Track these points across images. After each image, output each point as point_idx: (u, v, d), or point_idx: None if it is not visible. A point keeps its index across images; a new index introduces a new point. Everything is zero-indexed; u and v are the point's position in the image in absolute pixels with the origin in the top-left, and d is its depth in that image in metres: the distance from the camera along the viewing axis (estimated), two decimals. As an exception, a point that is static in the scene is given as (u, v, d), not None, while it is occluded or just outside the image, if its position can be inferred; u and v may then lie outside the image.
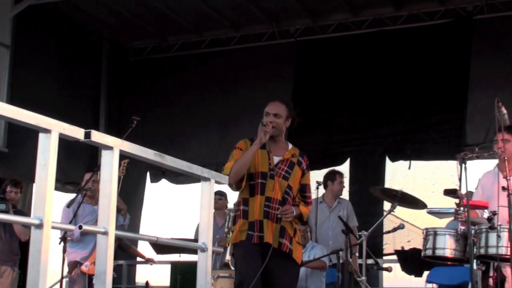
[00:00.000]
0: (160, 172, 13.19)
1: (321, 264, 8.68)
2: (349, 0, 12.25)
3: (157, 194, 13.74)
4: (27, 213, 9.69)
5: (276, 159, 5.73)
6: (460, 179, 5.90)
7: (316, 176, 9.97)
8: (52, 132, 2.85)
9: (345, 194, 11.75)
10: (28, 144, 7.63)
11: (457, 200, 5.98)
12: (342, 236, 9.18)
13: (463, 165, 5.87)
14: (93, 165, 12.41)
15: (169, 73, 13.83)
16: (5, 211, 8.08)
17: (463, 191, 5.95)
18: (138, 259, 11.09)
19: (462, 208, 5.89)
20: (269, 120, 5.74)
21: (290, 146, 5.90)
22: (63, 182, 12.00)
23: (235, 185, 5.73)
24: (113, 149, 3.23)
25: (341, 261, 7.64)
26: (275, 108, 5.83)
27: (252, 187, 5.66)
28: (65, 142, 2.93)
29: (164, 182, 13.39)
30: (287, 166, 5.72)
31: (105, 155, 3.26)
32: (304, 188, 5.81)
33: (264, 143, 5.67)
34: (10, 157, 11.20)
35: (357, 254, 8.48)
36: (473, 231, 5.78)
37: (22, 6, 11.17)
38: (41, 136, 2.87)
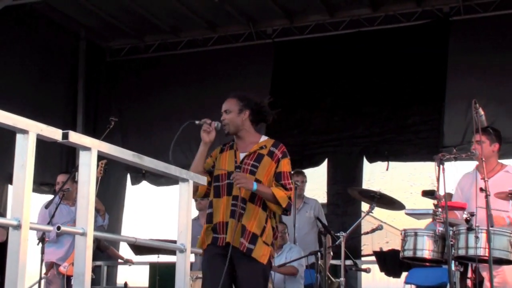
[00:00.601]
0: (140, 174, 13.15)
1: (291, 270, 8.61)
2: (326, 1, 12.26)
3: (138, 196, 13.70)
4: (3, 215, 9.63)
5: (242, 156, 5.55)
6: (438, 180, 5.92)
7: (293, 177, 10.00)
8: (30, 133, 2.84)
9: (323, 195, 11.79)
10: (5, 145, 7.58)
11: (435, 201, 5.99)
12: (310, 237, 9.24)
13: (441, 166, 5.89)
14: (69, 165, 12.37)
15: (146, 73, 13.78)
16: (-18, 213, 8.02)
17: (441, 192, 5.97)
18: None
19: (440, 209, 5.91)
20: (222, 118, 5.63)
21: (263, 139, 5.66)
22: (39, 183, 11.93)
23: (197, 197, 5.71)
24: (91, 150, 3.21)
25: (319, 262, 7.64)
26: (224, 105, 5.69)
27: (218, 189, 5.51)
28: (39, 143, 2.91)
29: (144, 184, 13.35)
30: (254, 160, 5.48)
31: (83, 156, 3.24)
32: (279, 176, 5.46)
33: (208, 142, 5.58)
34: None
35: (331, 253, 8.48)
36: (451, 232, 5.80)
37: (-2, 7, 11.10)
38: (19, 137, 2.85)
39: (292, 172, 5.67)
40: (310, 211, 9.54)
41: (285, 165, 5.55)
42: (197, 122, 5.60)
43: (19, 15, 11.96)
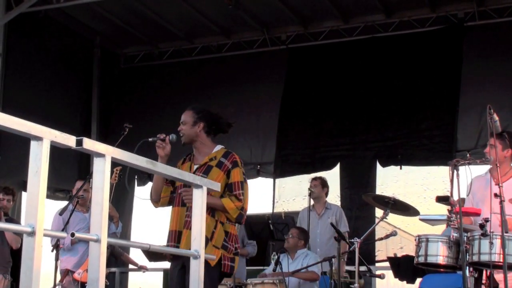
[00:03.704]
0: (146, 175, 13.09)
1: (313, 276, 8.60)
2: (340, 7, 12.26)
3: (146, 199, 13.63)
4: (18, 222, 9.66)
5: (195, 167, 5.65)
6: (452, 186, 5.90)
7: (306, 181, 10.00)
8: (44, 139, 2.85)
9: (336, 199, 11.78)
10: (20, 152, 7.62)
11: (449, 207, 5.97)
12: (331, 243, 9.21)
13: (455, 171, 5.86)
14: (84, 172, 12.39)
15: (160, 80, 13.82)
16: (-3, 219, 8.04)
17: (455, 198, 5.95)
18: (131, 266, 11.06)
19: (454, 215, 5.88)
20: (178, 129, 5.75)
21: (216, 149, 5.72)
22: (54, 189, 11.97)
23: (153, 203, 5.85)
24: (105, 156, 3.22)
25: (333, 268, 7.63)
26: (182, 116, 5.82)
27: (173, 200, 5.67)
28: (55, 149, 2.92)
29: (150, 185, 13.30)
30: (203, 172, 5.52)
31: (97, 163, 3.25)
32: (230, 187, 5.50)
33: (164, 156, 5.65)
34: (2, 164, 11.16)
35: (344, 259, 8.47)
36: (465, 238, 5.77)
37: (13, 14, 11.15)
38: (33, 143, 2.86)
39: (243, 181, 5.58)
40: (332, 217, 9.50)
41: (236, 175, 5.56)
42: (150, 139, 5.71)
43: (33, 22, 12.02)
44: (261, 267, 9.88)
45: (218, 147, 5.74)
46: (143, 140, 5.58)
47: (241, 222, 5.58)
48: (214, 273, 5.40)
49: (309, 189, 9.51)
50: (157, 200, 5.77)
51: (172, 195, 5.71)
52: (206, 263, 5.23)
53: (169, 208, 5.78)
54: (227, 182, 5.53)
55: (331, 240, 9.38)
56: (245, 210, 5.56)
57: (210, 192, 5.29)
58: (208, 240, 5.35)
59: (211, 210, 5.42)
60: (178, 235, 5.50)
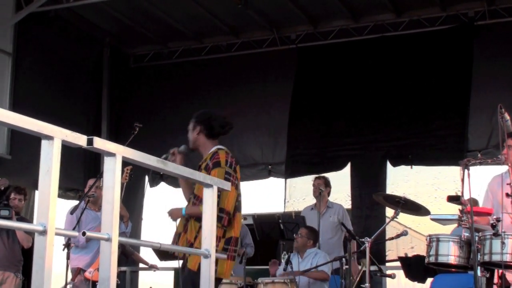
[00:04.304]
0: (158, 176, 13.11)
1: (323, 275, 8.59)
2: (350, 6, 12.25)
3: (156, 198, 13.68)
4: (29, 221, 9.69)
5: None
6: (463, 186, 5.88)
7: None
8: (55, 139, 2.85)
9: (346, 199, 11.77)
10: (31, 151, 7.63)
11: (460, 207, 5.95)
12: (333, 241, 9.22)
13: (466, 171, 5.84)
14: (94, 171, 12.41)
15: (170, 79, 13.83)
16: (9, 218, 8.06)
17: (466, 197, 5.93)
18: (141, 265, 11.08)
19: (465, 215, 5.87)
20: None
21: (211, 150, 5.77)
22: (64, 188, 12.00)
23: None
24: (115, 155, 3.22)
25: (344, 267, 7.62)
26: None
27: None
28: (65, 148, 2.92)
29: (163, 185, 13.33)
30: None
31: (107, 162, 3.25)
32: None
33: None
34: (13, 164, 11.20)
35: (354, 258, 8.46)
36: (477, 238, 5.75)
37: (23, 14, 11.17)
38: (44, 143, 2.87)
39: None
40: (334, 216, 9.52)
41: (214, 176, 5.49)
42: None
43: (43, 22, 12.06)
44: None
45: (213, 149, 5.78)
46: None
47: (223, 224, 5.51)
48: (197, 277, 5.39)
49: (319, 188, 9.52)
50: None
51: None
52: (191, 271, 5.44)
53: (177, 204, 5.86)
54: None
55: (333, 238, 9.42)
56: (226, 211, 5.53)
57: (196, 203, 5.47)
58: (192, 244, 5.51)
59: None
60: (178, 237, 5.71)
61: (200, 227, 5.46)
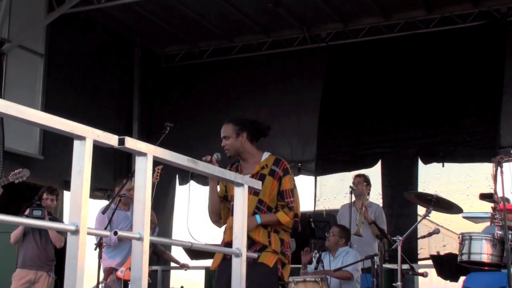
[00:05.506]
0: (188, 174, 13.13)
1: (346, 274, 8.54)
2: (380, 3, 12.20)
3: (187, 196, 13.64)
4: (61, 221, 9.76)
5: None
6: (495, 183, 5.83)
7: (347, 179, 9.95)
8: (87, 139, 2.87)
9: (377, 197, 11.72)
10: (63, 152, 7.69)
11: (493, 204, 5.91)
12: (367, 240, 9.17)
13: (499, 168, 5.80)
14: (123, 171, 12.49)
15: (200, 79, 13.87)
16: (41, 218, 8.13)
17: (499, 195, 5.88)
18: (173, 264, 11.11)
19: (498, 213, 5.82)
20: (222, 144, 5.72)
21: (264, 157, 5.73)
22: (93, 188, 12.06)
23: (216, 224, 5.84)
24: (146, 155, 3.23)
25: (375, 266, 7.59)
26: (222, 131, 5.74)
27: (228, 211, 5.68)
28: (93, 148, 2.94)
29: (193, 184, 13.33)
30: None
31: (139, 162, 3.26)
32: (282, 195, 5.52)
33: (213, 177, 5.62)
34: (45, 164, 11.29)
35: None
36: (510, 236, 5.71)
37: (55, 15, 11.26)
38: (76, 143, 2.89)
39: (293, 188, 5.58)
40: (371, 215, 9.47)
41: (287, 183, 5.56)
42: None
43: (75, 23, 12.15)
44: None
45: (266, 155, 5.75)
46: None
47: (298, 229, 5.59)
48: (273, 277, 5.45)
49: (350, 186, 9.48)
50: (217, 220, 5.78)
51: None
52: (266, 266, 5.37)
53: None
54: (279, 189, 5.55)
55: (367, 237, 9.35)
56: (299, 217, 5.58)
57: (264, 210, 5.40)
58: (266, 246, 5.45)
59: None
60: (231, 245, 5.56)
61: (270, 232, 5.51)
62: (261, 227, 5.48)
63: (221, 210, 5.75)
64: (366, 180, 9.65)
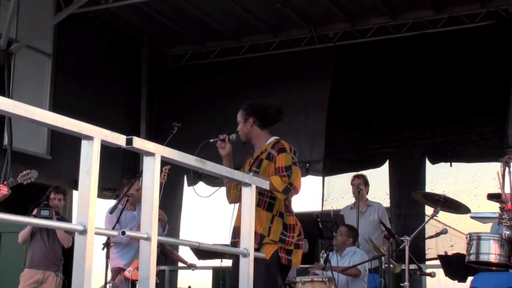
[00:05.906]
0: (197, 175, 13.12)
1: (353, 271, 8.56)
2: (388, 3, 12.18)
3: (194, 197, 13.65)
4: (69, 221, 9.78)
5: (252, 162, 5.72)
6: (503, 183, 5.82)
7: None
8: (95, 139, 2.88)
9: (385, 197, 11.71)
10: (71, 151, 7.69)
11: (501, 204, 5.90)
12: (373, 239, 9.17)
13: (507, 168, 5.79)
14: (131, 171, 12.49)
15: (208, 79, 13.87)
16: (49, 217, 8.15)
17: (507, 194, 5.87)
18: (180, 264, 11.12)
19: (506, 213, 5.81)
20: (237, 129, 5.78)
21: (269, 141, 5.72)
22: (101, 188, 12.07)
23: (228, 200, 5.90)
24: (154, 155, 3.24)
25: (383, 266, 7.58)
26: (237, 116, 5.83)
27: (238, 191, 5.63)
28: (102, 148, 2.94)
29: (201, 184, 13.33)
30: (256, 166, 5.59)
31: (146, 162, 3.27)
32: (277, 171, 5.48)
33: (225, 155, 5.75)
34: (53, 164, 11.31)
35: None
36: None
37: (63, 15, 11.27)
38: (84, 143, 2.90)
39: (290, 164, 5.50)
40: (374, 214, 9.51)
41: (280, 160, 5.52)
42: (211, 140, 5.77)
43: (83, 23, 12.15)
44: (311, 265, 9.87)
45: (271, 139, 5.74)
46: (204, 141, 5.64)
47: (288, 196, 5.47)
48: (272, 266, 5.39)
49: (358, 187, 9.50)
50: (234, 201, 5.79)
51: None
52: (262, 258, 5.31)
53: (216, 207, 5.84)
54: (275, 168, 5.53)
55: (373, 236, 9.37)
56: (295, 187, 5.45)
57: (264, 194, 5.38)
58: (264, 236, 5.40)
59: (268, 204, 5.47)
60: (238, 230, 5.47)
61: (274, 216, 5.49)
62: (264, 210, 5.46)
63: (231, 190, 5.79)
64: (365, 181, 9.74)
